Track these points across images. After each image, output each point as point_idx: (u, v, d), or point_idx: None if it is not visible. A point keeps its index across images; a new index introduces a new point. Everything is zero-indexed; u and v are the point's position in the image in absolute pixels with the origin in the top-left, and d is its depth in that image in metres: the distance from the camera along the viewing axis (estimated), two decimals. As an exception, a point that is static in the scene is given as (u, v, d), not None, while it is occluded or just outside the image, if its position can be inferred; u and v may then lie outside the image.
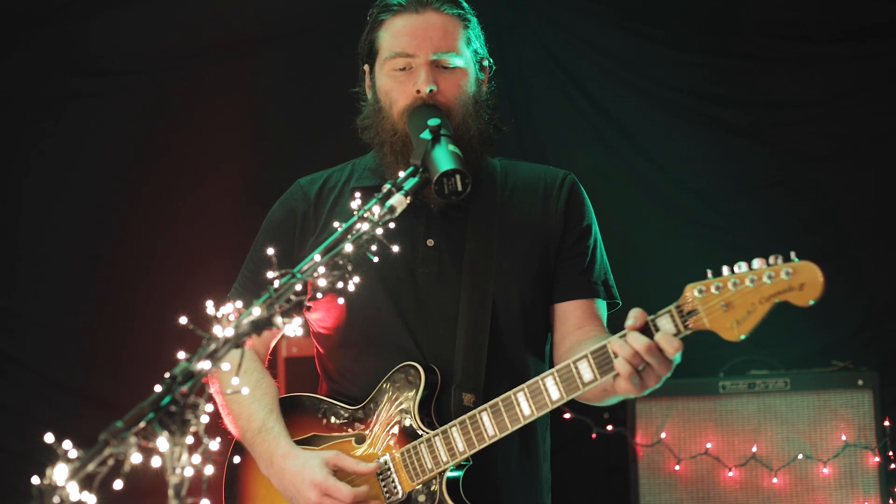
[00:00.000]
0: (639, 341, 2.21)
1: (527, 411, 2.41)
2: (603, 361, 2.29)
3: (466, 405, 2.55)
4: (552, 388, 2.37)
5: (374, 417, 2.62)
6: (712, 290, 2.14)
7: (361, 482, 2.56)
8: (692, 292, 2.16)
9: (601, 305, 2.76)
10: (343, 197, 2.77)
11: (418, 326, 2.64)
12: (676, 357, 2.21)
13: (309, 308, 2.76)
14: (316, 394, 2.77)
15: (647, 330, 2.23)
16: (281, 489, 2.62)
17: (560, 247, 2.73)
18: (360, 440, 2.63)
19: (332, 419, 2.69)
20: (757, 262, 2.10)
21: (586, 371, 2.32)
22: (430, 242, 2.68)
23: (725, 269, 2.14)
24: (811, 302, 2.05)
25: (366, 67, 2.76)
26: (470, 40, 2.69)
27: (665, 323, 2.21)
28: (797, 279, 2.05)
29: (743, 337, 2.12)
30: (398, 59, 2.63)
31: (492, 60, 2.79)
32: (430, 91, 2.58)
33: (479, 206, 2.71)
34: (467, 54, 2.68)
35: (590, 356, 2.31)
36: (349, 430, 2.66)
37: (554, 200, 2.75)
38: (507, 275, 2.68)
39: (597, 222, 2.81)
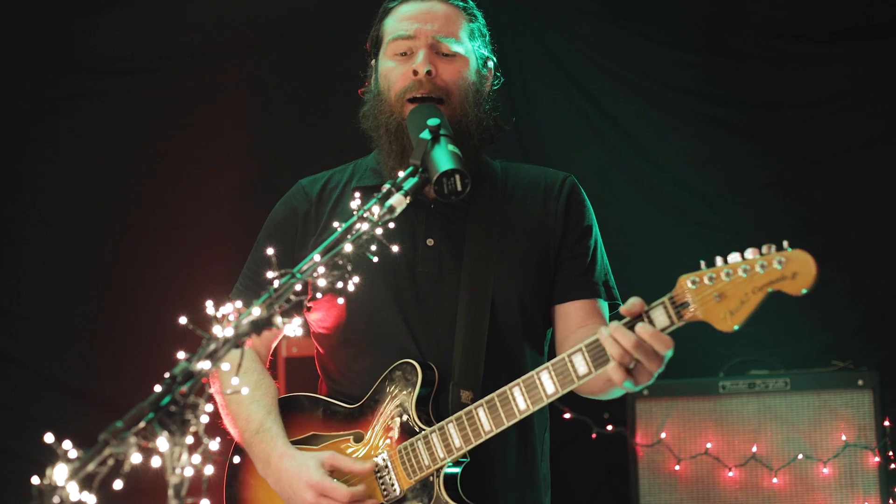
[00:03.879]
0: (626, 337, 2.20)
1: (522, 406, 2.41)
2: (598, 354, 2.29)
3: (464, 402, 2.55)
4: (547, 382, 2.37)
5: (373, 416, 2.63)
6: (705, 280, 2.14)
7: (358, 481, 2.56)
8: (686, 283, 2.17)
9: (603, 305, 2.76)
10: (344, 197, 2.78)
11: (418, 325, 2.65)
12: (667, 353, 2.21)
13: (309, 308, 2.76)
14: (316, 394, 2.78)
15: (641, 321, 2.22)
16: (278, 490, 2.63)
17: (560, 248, 2.73)
18: (359, 438, 2.63)
19: (331, 418, 2.69)
20: (750, 253, 2.11)
21: (581, 364, 2.32)
22: (430, 242, 2.69)
23: (719, 260, 2.14)
24: (804, 291, 2.05)
25: (373, 63, 2.79)
26: (473, 34, 2.73)
27: (659, 314, 2.20)
28: (790, 268, 2.06)
29: (736, 327, 2.12)
30: (399, 42, 2.67)
31: (496, 61, 2.81)
32: (427, 73, 2.61)
33: (479, 205, 2.72)
34: (468, 45, 2.71)
35: (584, 349, 2.31)
36: (348, 428, 2.66)
37: (554, 202, 2.76)
38: (505, 274, 2.68)
39: (597, 223, 2.81)
